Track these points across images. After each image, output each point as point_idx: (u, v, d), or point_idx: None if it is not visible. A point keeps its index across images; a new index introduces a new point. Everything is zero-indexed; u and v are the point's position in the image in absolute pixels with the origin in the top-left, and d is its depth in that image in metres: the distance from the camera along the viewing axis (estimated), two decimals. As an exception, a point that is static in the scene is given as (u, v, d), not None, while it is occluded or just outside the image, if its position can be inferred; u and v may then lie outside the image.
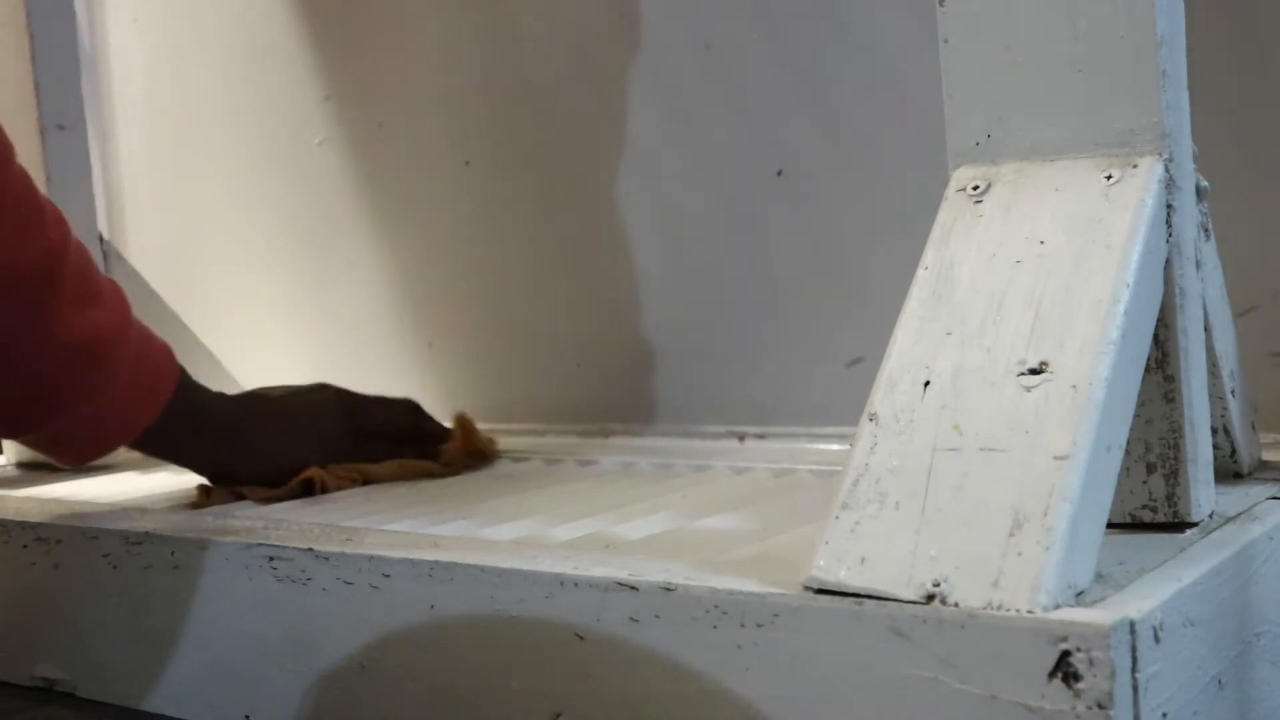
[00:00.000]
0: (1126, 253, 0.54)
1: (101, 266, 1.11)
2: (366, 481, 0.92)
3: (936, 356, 0.55)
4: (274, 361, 1.25)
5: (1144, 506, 0.59)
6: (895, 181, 0.89)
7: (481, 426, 1.12)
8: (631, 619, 0.55)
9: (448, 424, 1.00)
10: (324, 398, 0.94)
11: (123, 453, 1.11)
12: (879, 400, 0.55)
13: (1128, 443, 0.54)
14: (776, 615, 0.51)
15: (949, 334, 0.55)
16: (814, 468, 0.88)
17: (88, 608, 0.77)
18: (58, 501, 0.90)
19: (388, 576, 0.63)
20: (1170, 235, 0.57)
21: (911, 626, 0.48)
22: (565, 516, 0.77)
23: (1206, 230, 0.64)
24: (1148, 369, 0.56)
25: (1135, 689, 0.46)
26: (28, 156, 1.05)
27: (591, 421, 1.05)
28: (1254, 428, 0.71)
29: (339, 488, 0.89)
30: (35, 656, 0.79)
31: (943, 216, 0.59)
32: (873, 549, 0.51)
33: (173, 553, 0.72)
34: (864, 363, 0.92)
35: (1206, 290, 0.62)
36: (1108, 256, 0.54)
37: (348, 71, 1.18)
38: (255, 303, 1.27)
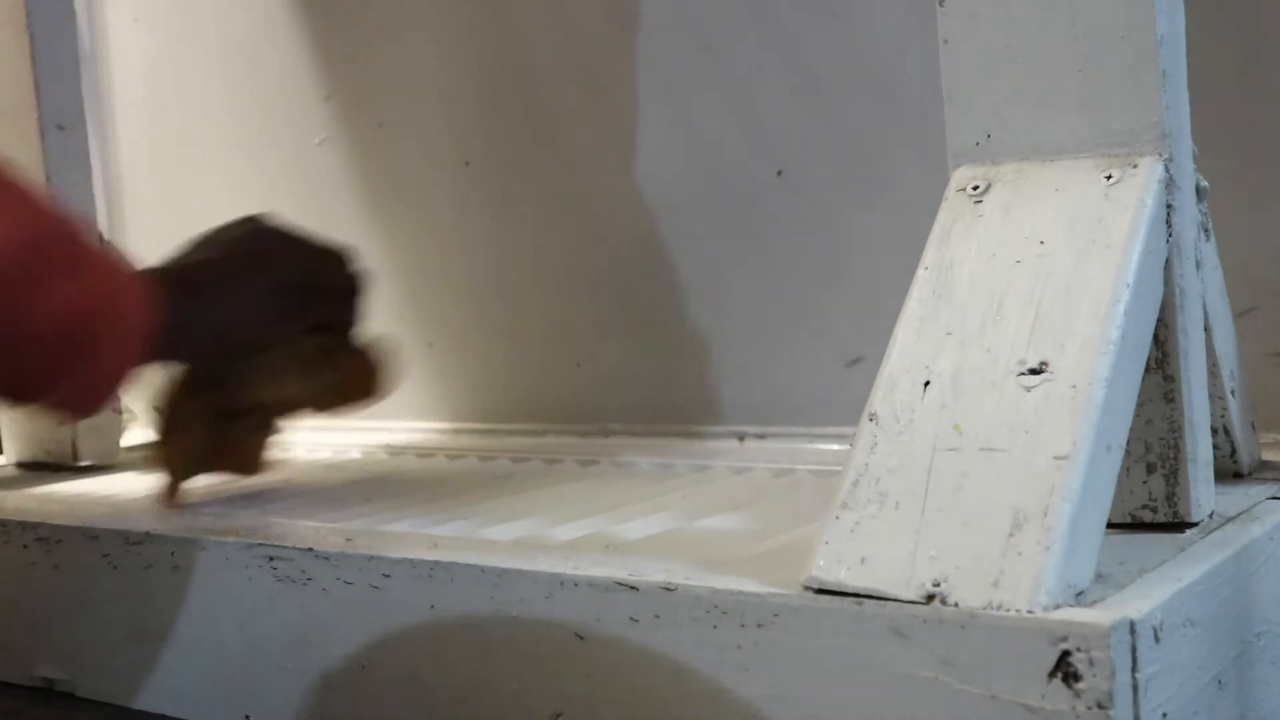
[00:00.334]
0: (1126, 253, 0.54)
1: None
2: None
3: (936, 356, 0.55)
4: (274, 361, 1.25)
5: (1144, 506, 0.59)
6: (895, 181, 0.89)
7: (481, 426, 1.12)
8: (631, 619, 0.55)
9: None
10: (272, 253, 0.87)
11: (123, 453, 1.11)
12: (879, 400, 0.55)
13: (1128, 443, 0.54)
14: (776, 615, 0.51)
15: (949, 334, 0.55)
16: (814, 468, 0.87)
17: (88, 608, 0.77)
18: (58, 501, 0.90)
19: (388, 576, 0.63)
20: (1170, 235, 0.57)
21: (911, 626, 0.48)
22: (565, 516, 0.77)
23: (1206, 230, 0.64)
24: (1148, 369, 0.56)
25: (1135, 689, 0.46)
26: (28, 156, 1.06)
27: (591, 421, 1.05)
28: (1254, 428, 0.71)
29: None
30: (35, 656, 0.79)
31: (943, 216, 0.59)
32: (873, 549, 0.51)
33: (173, 553, 0.72)
34: (864, 363, 0.91)
35: (1206, 290, 0.62)
36: (1108, 256, 0.54)
37: (348, 71, 1.18)
38: (255, 303, 1.27)
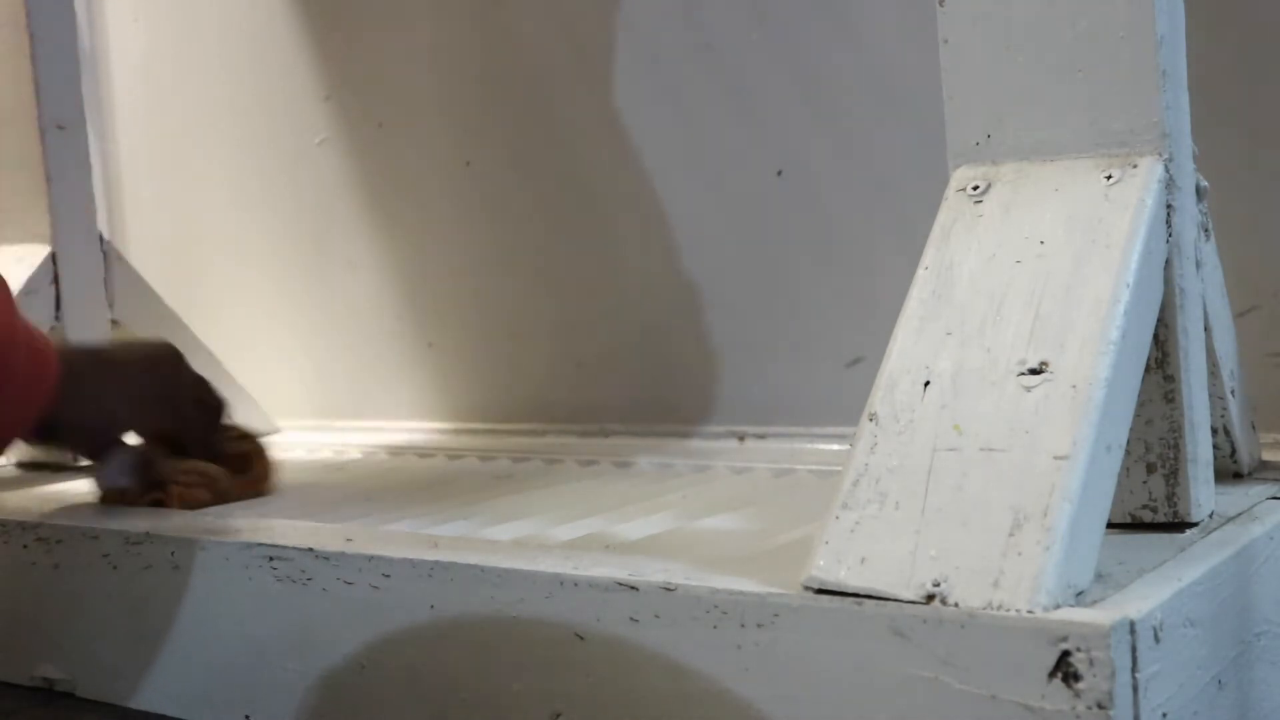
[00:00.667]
0: (1126, 253, 0.54)
1: (102, 266, 1.11)
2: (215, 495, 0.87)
3: (936, 356, 0.55)
4: (273, 361, 1.25)
5: (1144, 506, 0.59)
6: (895, 181, 0.89)
7: (481, 426, 1.12)
8: (631, 619, 0.55)
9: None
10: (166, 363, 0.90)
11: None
12: (879, 400, 0.55)
13: (1128, 443, 0.54)
14: (776, 615, 0.51)
15: (949, 334, 0.55)
16: (814, 468, 0.88)
17: (88, 608, 0.77)
18: (58, 501, 0.90)
19: (388, 576, 0.63)
20: (1170, 235, 0.57)
21: (911, 626, 0.48)
22: (565, 516, 0.77)
23: (1206, 230, 0.64)
24: (1148, 369, 0.56)
25: (1135, 689, 0.46)
26: (28, 156, 1.06)
27: (591, 421, 1.05)
28: (1254, 428, 0.71)
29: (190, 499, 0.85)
30: (35, 656, 0.79)
31: (943, 216, 0.59)
32: (873, 549, 0.51)
33: (173, 553, 0.72)
34: (864, 363, 0.92)
35: (1206, 290, 0.62)
36: (1108, 256, 0.54)
37: (348, 71, 1.18)
38: (255, 303, 1.27)
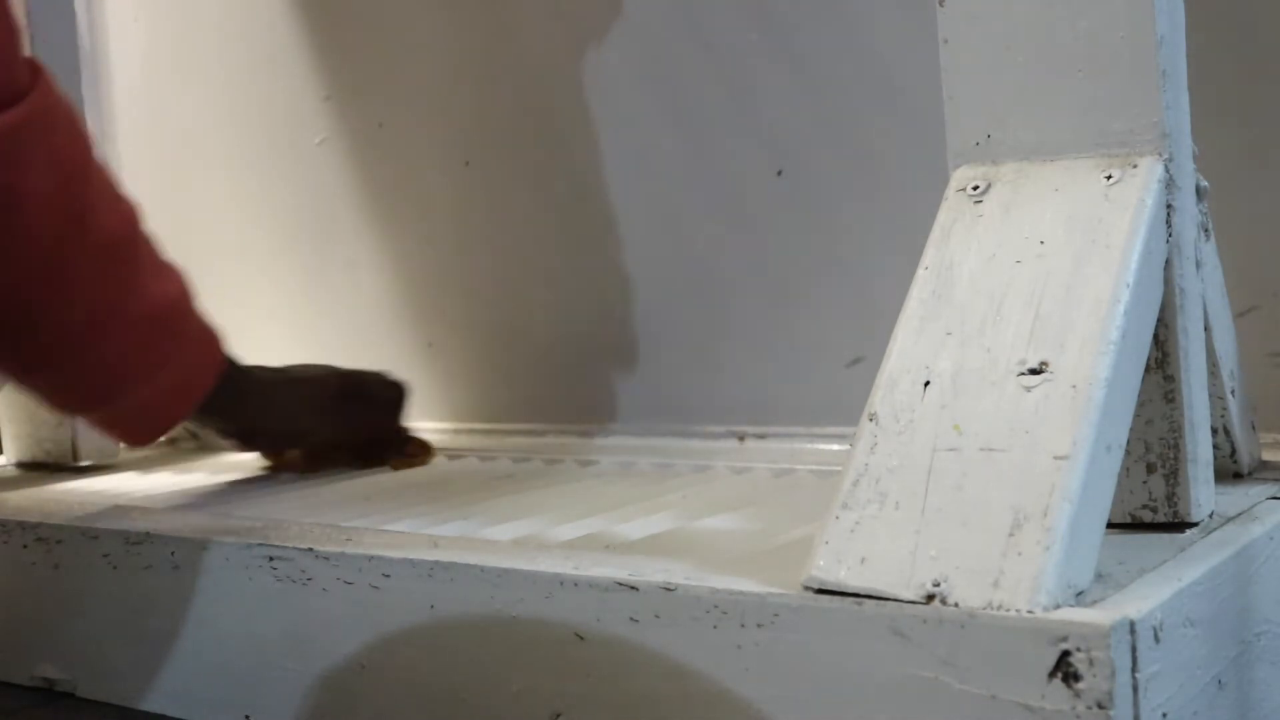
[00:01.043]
0: (1126, 253, 0.54)
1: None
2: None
3: (936, 356, 0.55)
4: (274, 361, 1.25)
5: (1144, 506, 0.59)
6: (895, 181, 0.89)
7: (481, 426, 1.13)
8: (631, 619, 0.55)
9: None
10: (324, 373, 1.03)
11: (123, 453, 1.11)
12: (879, 400, 0.55)
13: (1128, 443, 0.54)
14: (776, 615, 0.51)
15: (949, 334, 0.55)
16: (814, 468, 0.88)
17: (88, 608, 0.77)
18: (58, 501, 0.90)
19: (388, 576, 0.63)
20: (1170, 235, 0.57)
21: (911, 626, 0.48)
22: (565, 516, 0.77)
23: (1206, 230, 0.64)
24: (1148, 369, 0.56)
25: (1135, 689, 0.46)
26: (28, 156, 1.05)
27: (591, 421, 1.05)
28: (1254, 428, 0.71)
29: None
30: (35, 656, 0.79)
31: (943, 216, 0.59)
32: (873, 549, 0.51)
33: (173, 553, 0.72)
34: (864, 363, 0.91)
35: (1206, 290, 0.62)
36: (1108, 256, 0.54)
37: (348, 71, 1.18)
38: (255, 303, 1.27)
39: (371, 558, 0.64)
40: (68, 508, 0.85)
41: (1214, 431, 0.63)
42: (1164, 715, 0.48)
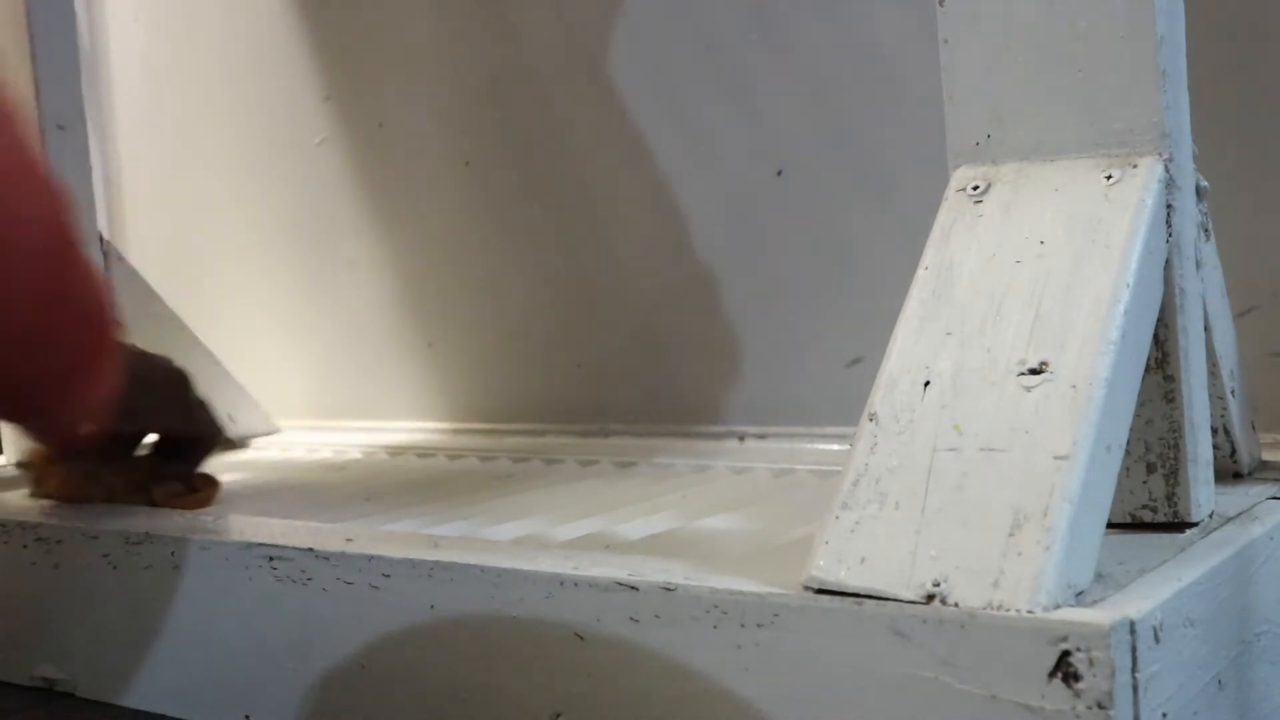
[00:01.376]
0: (1126, 253, 0.54)
1: (101, 266, 1.11)
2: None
3: (936, 356, 0.55)
4: (273, 361, 1.25)
5: (1144, 506, 0.59)
6: (895, 181, 0.89)
7: (481, 426, 1.12)
8: (631, 619, 0.55)
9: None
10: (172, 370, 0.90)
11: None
12: (879, 400, 0.55)
13: (1128, 443, 0.54)
14: (776, 615, 0.51)
15: (949, 334, 0.55)
16: (814, 468, 0.88)
17: (88, 608, 0.77)
18: (57, 502, 0.90)
19: (388, 576, 0.63)
20: (1170, 235, 0.57)
21: (911, 626, 0.48)
22: (565, 516, 0.77)
23: (1206, 230, 0.64)
24: (1148, 369, 0.56)
25: (1135, 689, 0.46)
26: (28, 156, 1.05)
27: (591, 421, 1.05)
28: (1254, 428, 0.71)
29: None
30: (35, 656, 0.79)
31: (943, 216, 0.59)
32: (873, 549, 0.51)
33: (173, 553, 0.72)
34: (864, 363, 0.91)
35: (1206, 290, 0.62)
36: (1108, 256, 0.54)
37: (348, 71, 1.18)
38: (255, 303, 1.27)
39: (371, 558, 0.64)
40: (68, 508, 0.85)
41: (1214, 431, 0.63)
42: (1164, 715, 0.48)
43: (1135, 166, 0.56)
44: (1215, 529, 0.58)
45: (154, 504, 0.84)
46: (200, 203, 1.30)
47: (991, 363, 0.53)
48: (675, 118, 0.99)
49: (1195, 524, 0.59)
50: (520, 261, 1.09)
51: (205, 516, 0.80)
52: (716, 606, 0.53)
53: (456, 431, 1.13)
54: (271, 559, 0.68)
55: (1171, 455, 0.58)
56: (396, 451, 1.09)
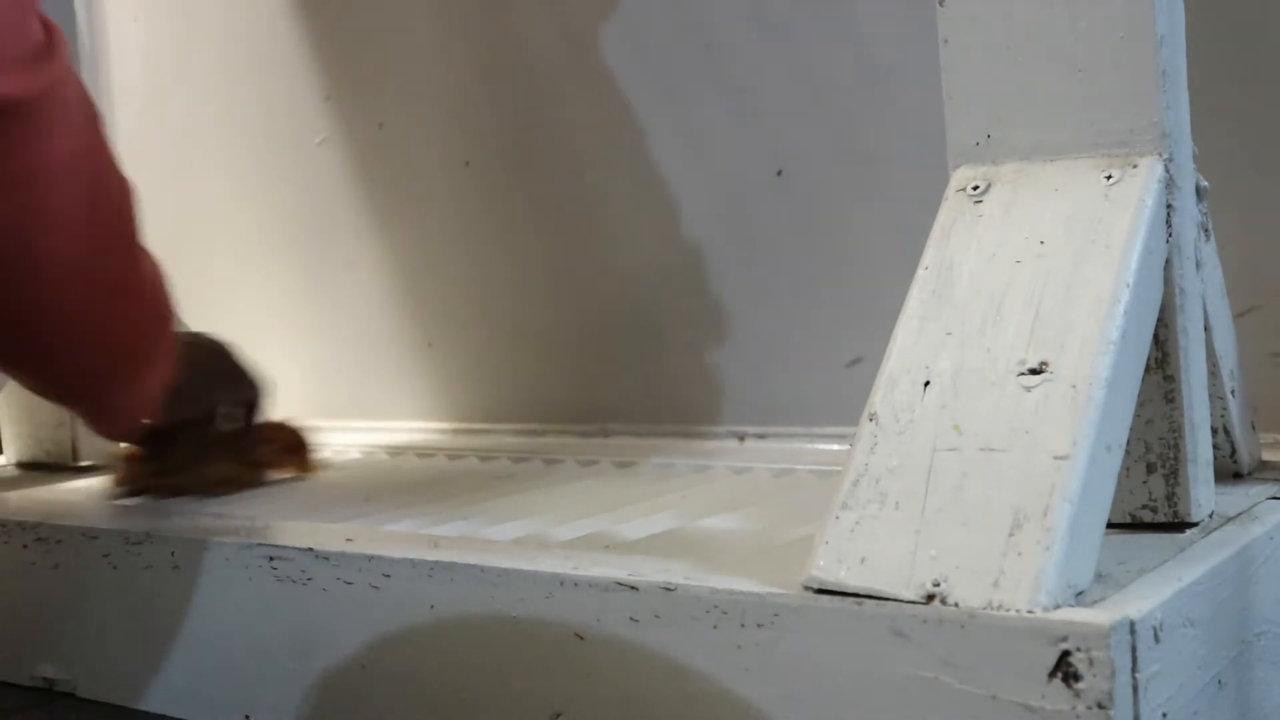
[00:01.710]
0: (1126, 253, 0.54)
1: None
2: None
3: (936, 356, 0.55)
4: (273, 361, 1.25)
5: (1144, 506, 0.59)
6: (895, 181, 0.89)
7: (481, 426, 1.12)
8: (631, 619, 0.55)
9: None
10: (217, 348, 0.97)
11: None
12: (879, 400, 0.55)
13: (1128, 443, 0.54)
14: (776, 615, 0.51)
15: (949, 334, 0.55)
16: (814, 468, 0.88)
17: (88, 608, 0.77)
18: (58, 501, 0.90)
19: (388, 576, 0.63)
20: (1170, 235, 0.57)
21: (911, 626, 0.48)
22: (565, 516, 0.77)
23: (1206, 230, 0.64)
24: (1148, 369, 0.56)
25: (1135, 689, 0.46)
26: (28, 156, 1.05)
27: (591, 421, 1.05)
28: (1254, 428, 0.71)
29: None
30: (35, 656, 0.79)
31: (943, 216, 0.59)
32: (873, 549, 0.51)
33: (173, 553, 0.72)
34: (864, 363, 0.91)
35: (1206, 290, 0.62)
36: (1108, 256, 0.54)
37: (348, 71, 1.18)
38: (255, 302, 1.27)
39: (371, 558, 0.64)
40: (68, 508, 0.85)
41: (1214, 431, 0.63)
42: (1164, 715, 0.48)
43: (1135, 166, 0.56)
44: (1215, 529, 0.58)
45: (244, 485, 0.90)
46: (200, 203, 1.30)
47: (991, 363, 0.53)
48: (675, 118, 0.99)
49: (1195, 524, 0.59)
50: (520, 261, 1.09)
51: (205, 517, 0.80)
52: (716, 606, 0.53)
53: (456, 431, 1.13)
54: (271, 559, 0.68)
55: (1171, 455, 0.58)
56: (396, 451, 1.09)
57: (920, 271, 0.58)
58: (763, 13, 0.94)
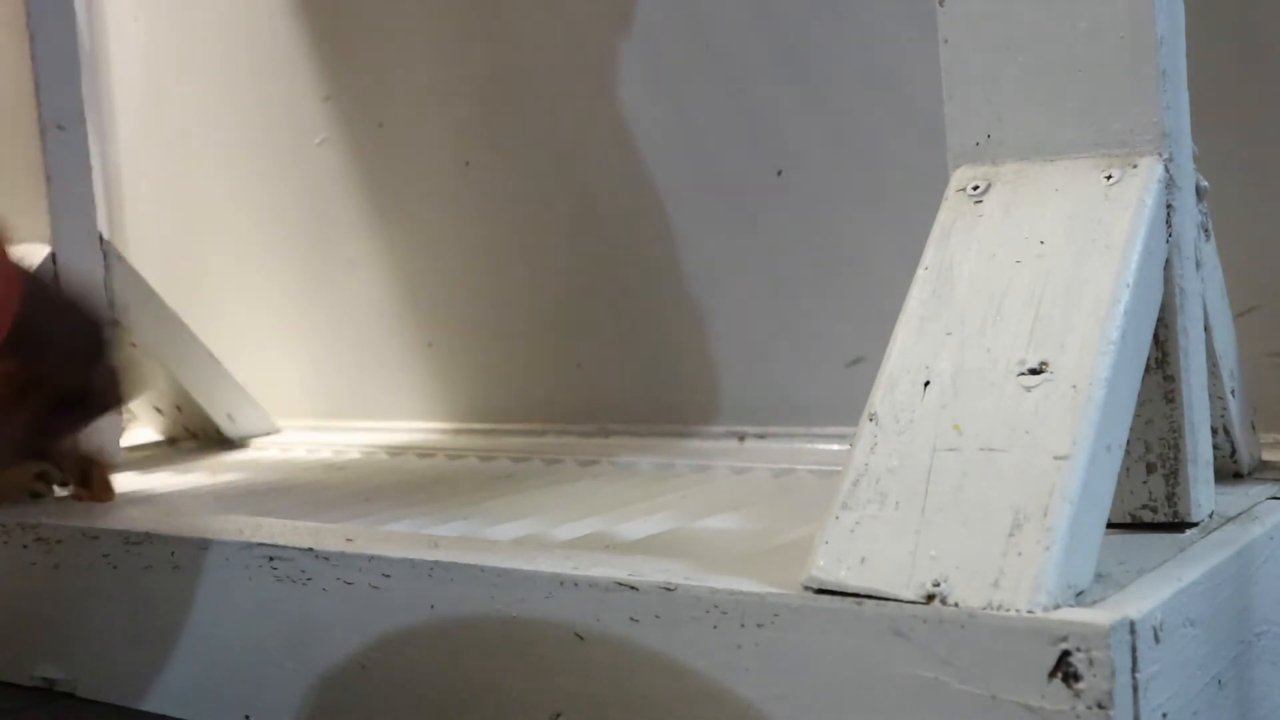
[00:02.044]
0: (1126, 253, 0.54)
1: (102, 266, 1.11)
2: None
3: (936, 356, 0.55)
4: (273, 361, 1.25)
5: (1144, 506, 0.59)
6: (895, 181, 0.89)
7: (481, 426, 1.12)
8: (631, 619, 0.55)
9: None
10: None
11: (123, 453, 1.11)
12: (879, 400, 0.55)
13: (1128, 443, 0.54)
14: (776, 615, 0.51)
15: (949, 334, 0.55)
16: (814, 468, 0.88)
17: (88, 608, 0.77)
18: (57, 501, 0.90)
19: (388, 576, 0.63)
20: (1170, 235, 0.57)
21: (911, 626, 0.48)
22: (565, 516, 0.77)
23: (1206, 230, 0.64)
24: (1148, 369, 0.56)
25: (1135, 689, 0.46)
26: (28, 156, 1.05)
27: (591, 421, 1.05)
28: (1254, 428, 0.71)
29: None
30: (35, 656, 0.79)
31: (943, 216, 0.59)
32: (873, 549, 0.50)
33: (173, 553, 0.72)
34: (864, 363, 0.91)
35: (1206, 290, 0.62)
36: (1108, 256, 0.54)
37: (348, 71, 1.18)
38: (255, 302, 1.27)
39: (371, 558, 0.64)
40: (68, 508, 0.85)
41: (1214, 431, 0.63)
42: (1164, 715, 0.48)
43: (1135, 166, 0.56)
44: (1215, 529, 0.58)
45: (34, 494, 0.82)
46: (200, 202, 1.30)
47: (991, 363, 0.53)
48: (675, 118, 0.99)
49: (1195, 524, 0.59)
50: (520, 261, 1.09)
51: (205, 516, 0.80)
52: (716, 606, 0.53)
53: (456, 431, 1.13)
54: (271, 559, 0.68)
55: (1171, 455, 0.58)
56: (396, 451, 1.09)
57: (920, 271, 0.58)
58: (763, 13, 0.94)
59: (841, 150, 0.92)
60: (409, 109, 1.14)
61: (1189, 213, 0.59)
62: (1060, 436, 0.50)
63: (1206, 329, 0.62)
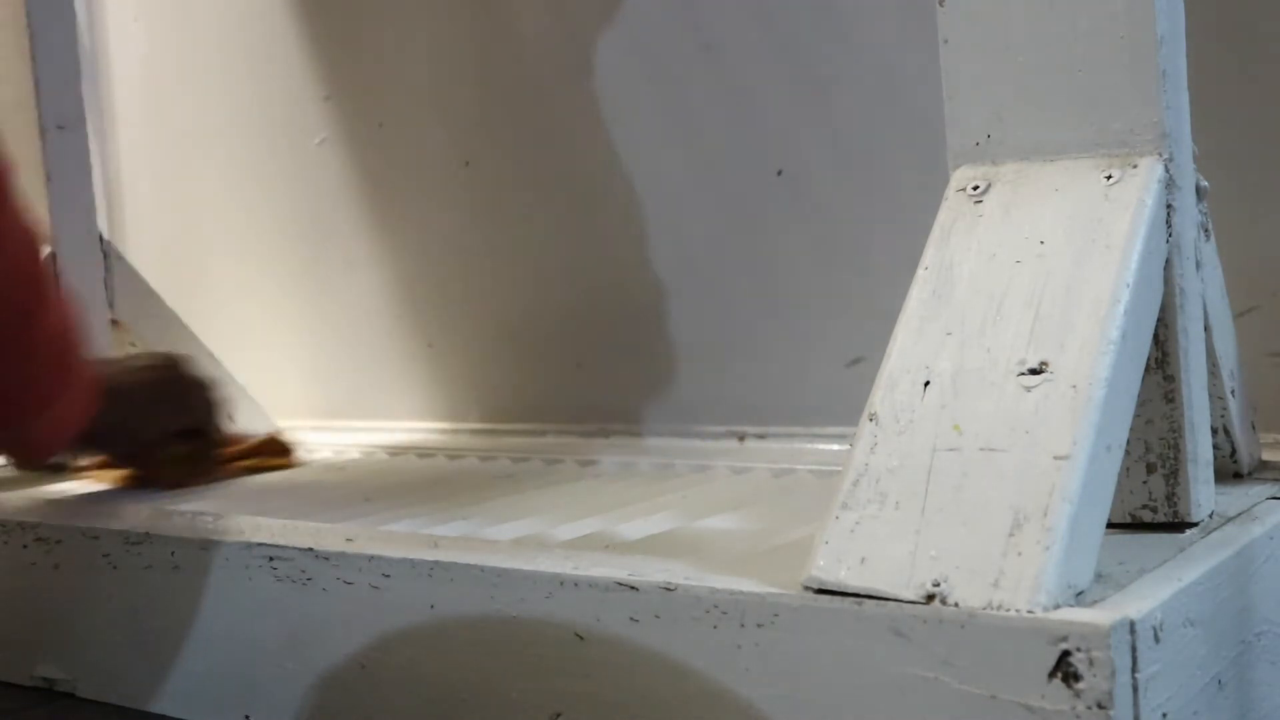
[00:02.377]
0: (1126, 253, 0.54)
1: (102, 266, 1.11)
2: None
3: (936, 356, 0.55)
4: (273, 361, 1.25)
5: (1144, 506, 0.59)
6: (895, 181, 0.89)
7: (481, 426, 1.12)
8: (631, 619, 0.55)
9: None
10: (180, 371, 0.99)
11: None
12: (879, 400, 0.55)
13: (1128, 443, 0.54)
14: (776, 615, 0.51)
15: (949, 334, 0.55)
16: (814, 468, 0.87)
17: (88, 608, 0.77)
18: (58, 501, 0.90)
19: (388, 576, 0.63)
20: (1170, 235, 0.57)
21: (911, 626, 0.48)
22: (565, 516, 0.77)
23: (1206, 230, 0.64)
24: (1148, 369, 0.56)
25: (1135, 689, 0.46)
26: (28, 156, 1.05)
27: (591, 421, 1.05)
28: (1254, 428, 0.71)
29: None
30: (35, 656, 0.79)
31: (943, 216, 0.59)
32: (873, 549, 0.51)
33: (173, 553, 0.72)
34: (864, 363, 0.91)
35: (1206, 290, 0.62)
36: (1108, 256, 0.54)
37: (348, 71, 1.18)
38: (255, 303, 1.27)
39: (371, 558, 0.64)
40: (68, 508, 0.85)
41: (1214, 431, 0.63)
42: (1164, 715, 0.48)
43: (1135, 166, 0.56)
44: (1215, 529, 0.58)
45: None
46: (200, 203, 1.30)
47: (991, 363, 0.53)
48: (674, 118, 0.99)
49: (1195, 524, 0.59)
50: (520, 261, 1.09)
51: (205, 517, 0.80)
52: (716, 606, 0.53)
53: (456, 431, 1.13)
54: (271, 559, 0.68)
55: (1171, 455, 0.58)
56: (396, 451, 1.09)
57: (920, 271, 0.58)
58: (763, 13, 0.94)
59: (841, 150, 0.92)
60: (409, 109, 1.14)
61: (1189, 213, 0.59)
62: (1060, 436, 0.50)
63: (1206, 329, 0.62)
